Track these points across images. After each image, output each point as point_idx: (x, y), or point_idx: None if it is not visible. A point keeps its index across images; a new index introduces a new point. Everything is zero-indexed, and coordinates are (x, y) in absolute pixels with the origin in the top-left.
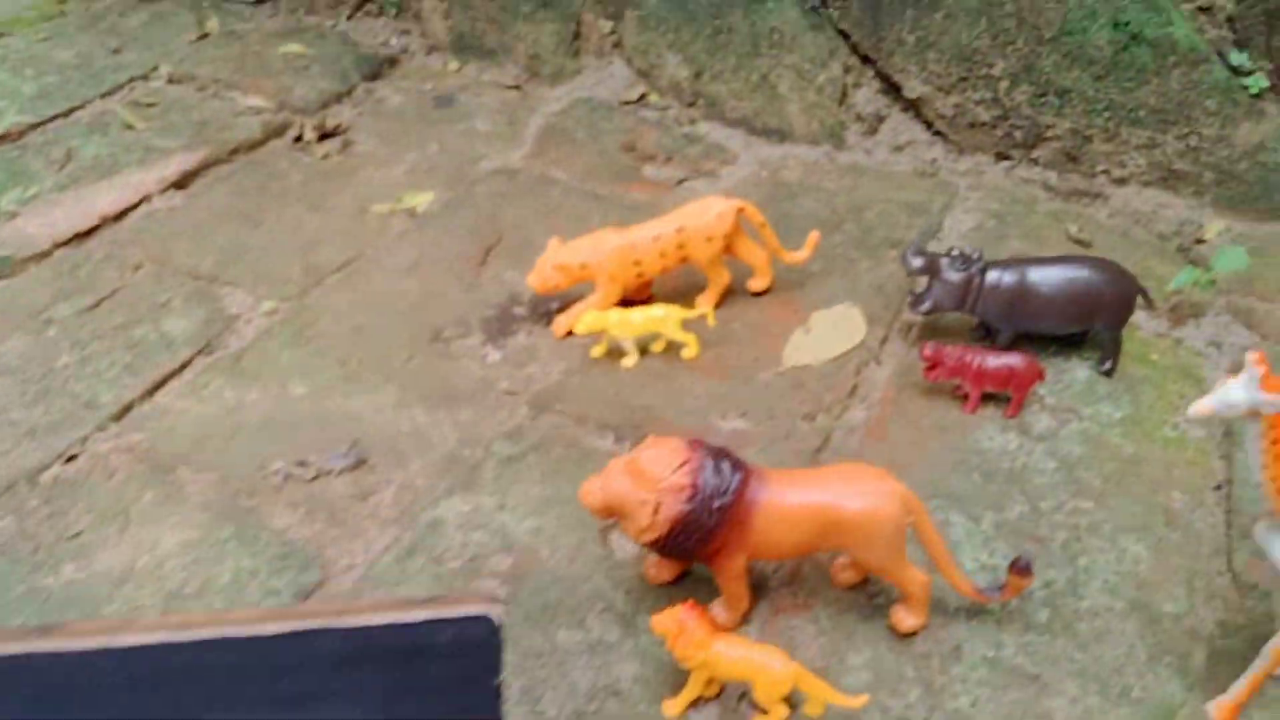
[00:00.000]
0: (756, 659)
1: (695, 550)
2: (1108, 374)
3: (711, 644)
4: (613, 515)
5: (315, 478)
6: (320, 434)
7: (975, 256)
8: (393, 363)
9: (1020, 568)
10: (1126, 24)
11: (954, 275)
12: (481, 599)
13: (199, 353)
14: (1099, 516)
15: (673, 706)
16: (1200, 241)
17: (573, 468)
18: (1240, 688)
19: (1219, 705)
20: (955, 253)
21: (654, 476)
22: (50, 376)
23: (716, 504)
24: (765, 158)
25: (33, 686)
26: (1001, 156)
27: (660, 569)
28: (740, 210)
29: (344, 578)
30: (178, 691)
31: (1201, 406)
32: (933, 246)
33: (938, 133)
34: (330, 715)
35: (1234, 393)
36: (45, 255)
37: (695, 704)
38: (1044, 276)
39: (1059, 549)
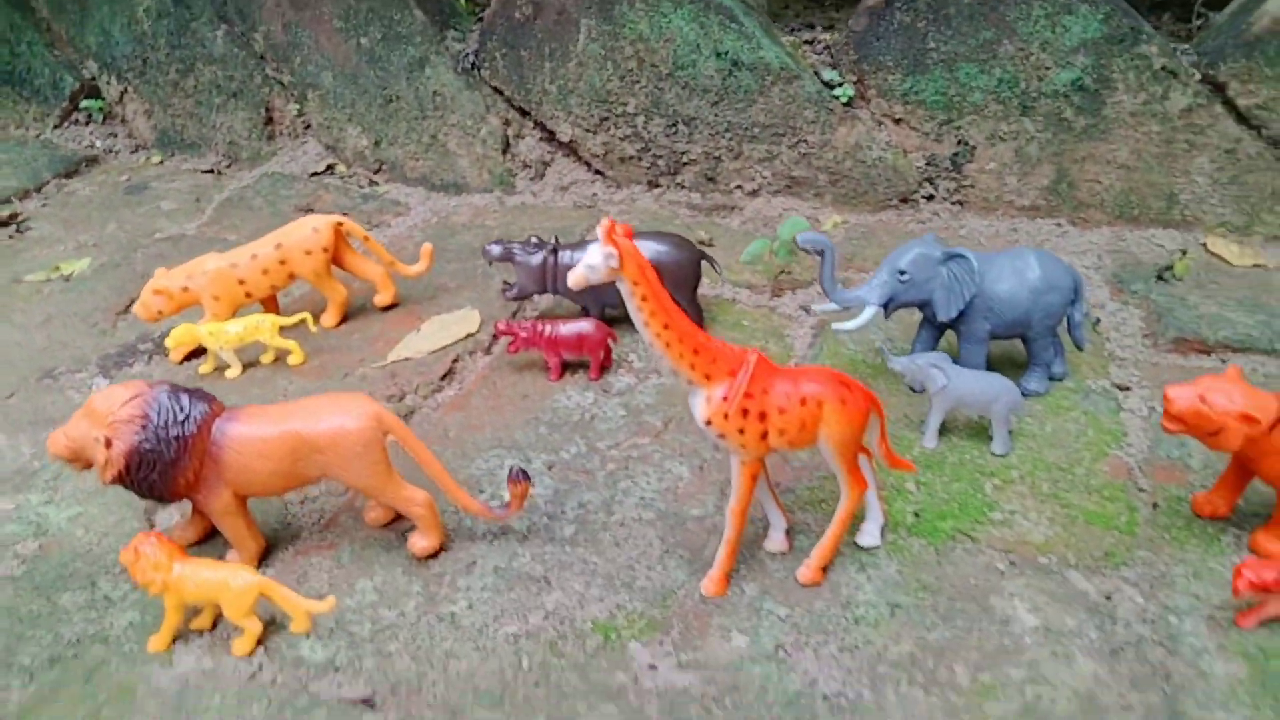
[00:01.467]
0: (216, 577)
1: (167, 486)
2: None
3: (171, 567)
4: (80, 461)
5: None
6: None
7: (548, 241)
8: None
9: (513, 478)
10: (726, 53)
11: (530, 260)
12: None
13: None
14: (652, 449)
15: (156, 641)
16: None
17: None
18: (720, 558)
19: (708, 579)
20: (531, 239)
21: (105, 412)
22: None
23: (174, 433)
24: (439, 207)
25: None
26: (652, 185)
27: (185, 530)
28: (338, 225)
29: None
30: None
31: (575, 276)
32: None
33: (597, 171)
34: None
35: (593, 256)
36: None
37: (182, 637)
38: None
39: (604, 477)
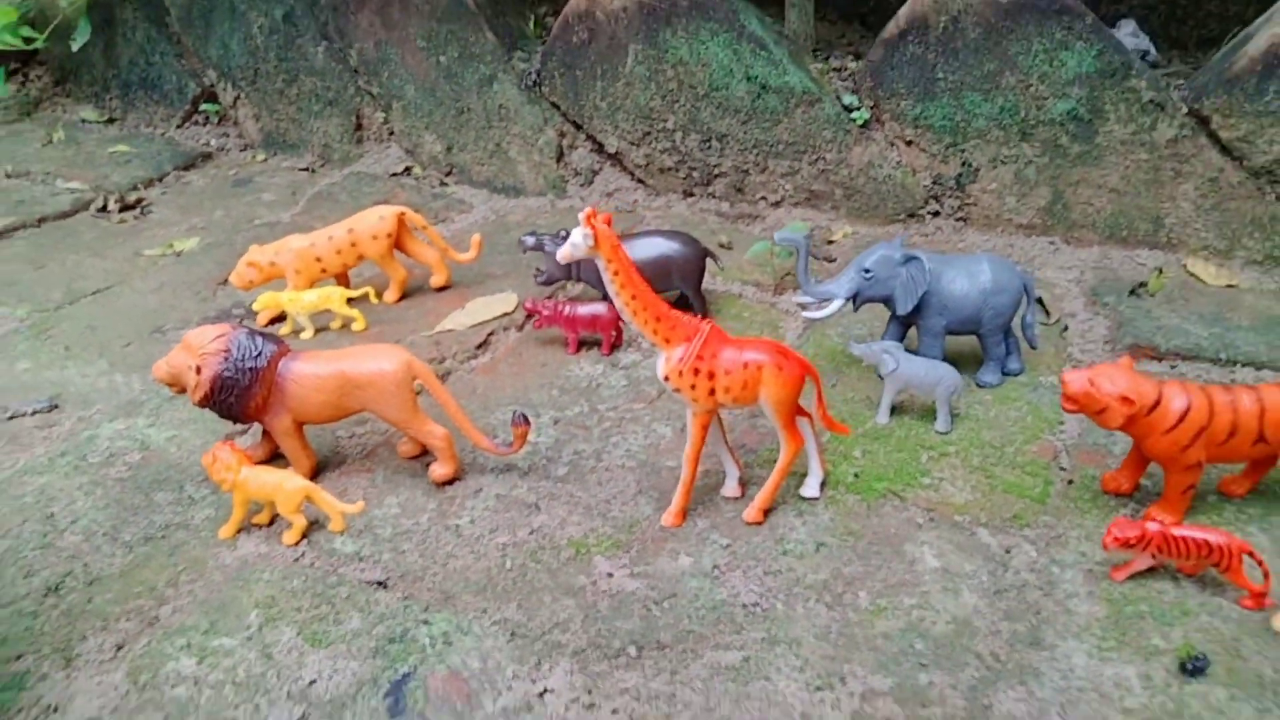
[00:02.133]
0: (273, 480)
1: (241, 408)
2: None
3: (239, 470)
4: (177, 385)
5: (11, 418)
6: (29, 392)
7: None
8: (111, 347)
9: (516, 421)
10: (756, 78)
11: (557, 248)
12: None
13: None
14: (643, 413)
15: (225, 530)
16: (830, 242)
17: None
18: (677, 495)
19: (667, 512)
20: (560, 232)
21: (197, 345)
22: None
23: (249, 365)
24: (498, 207)
25: None
26: (687, 193)
27: (255, 449)
28: (401, 214)
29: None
30: None
31: (561, 253)
32: None
33: (639, 180)
34: None
35: (575, 236)
36: None
37: (246, 528)
38: (629, 246)
39: (599, 433)
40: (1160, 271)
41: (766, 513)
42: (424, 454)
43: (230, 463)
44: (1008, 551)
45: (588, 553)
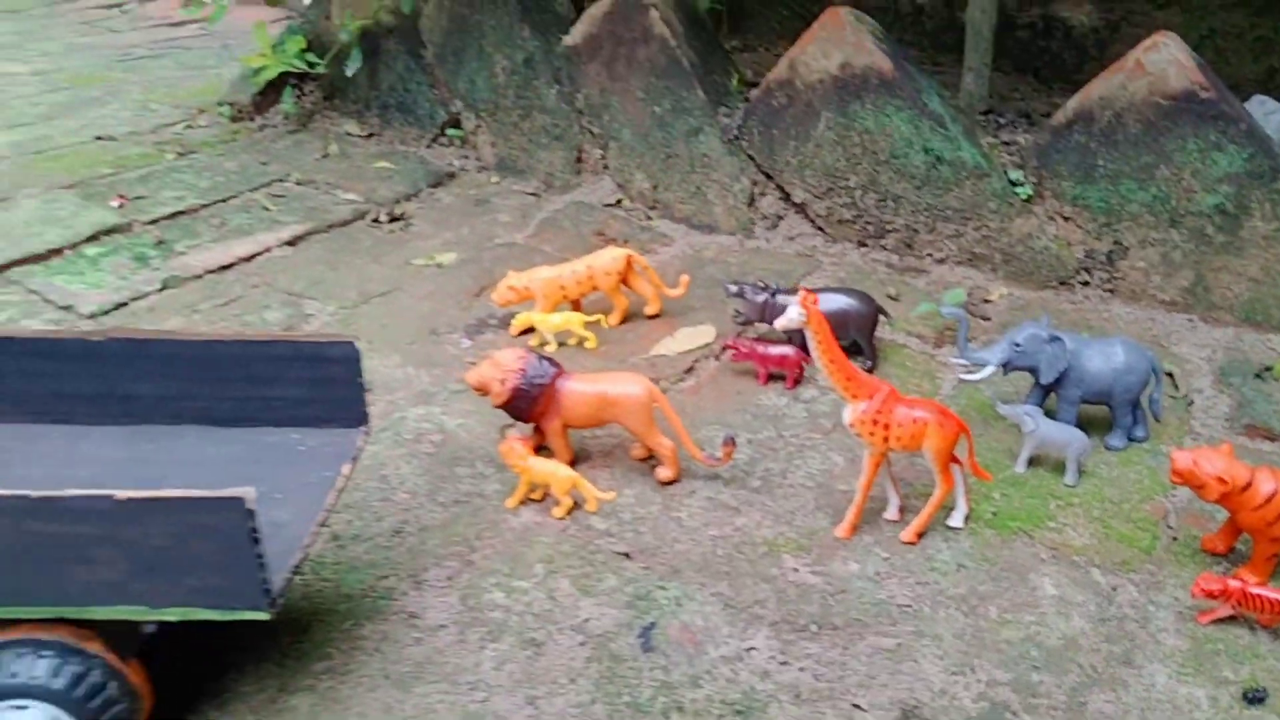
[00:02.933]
0: (550, 467)
1: (528, 412)
2: (870, 370)
3: (526, 458)
4: (481, 389)
5: None
6: None
7: (771, 286)
8: (400, 344)
9: (726, 440)
10: (932, 150)
11: (756, 297)
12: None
13: (283, 331)
14: (821, 442)
15: (510, 501)
16: (987, 301)
17: None
18: (849, 513)
19: (840, 525)
20: (759, 282)
21: (504, 364)
22: None
23: (537, 382)
24: (694, 242)
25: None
26: (861, 244)
27: (526, 440)
28: (629, 257)
29: None
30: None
31: (780, 322)
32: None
33: (819, 228)
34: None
35: (792, 312)
36: (199, 278)
37: (526, 502)
38: None
39: (784, 455)
40: None
41: (920, 535)
42: (650, 458)
43: (522, 452)
44: (1114, 589)
45: (778, 551)
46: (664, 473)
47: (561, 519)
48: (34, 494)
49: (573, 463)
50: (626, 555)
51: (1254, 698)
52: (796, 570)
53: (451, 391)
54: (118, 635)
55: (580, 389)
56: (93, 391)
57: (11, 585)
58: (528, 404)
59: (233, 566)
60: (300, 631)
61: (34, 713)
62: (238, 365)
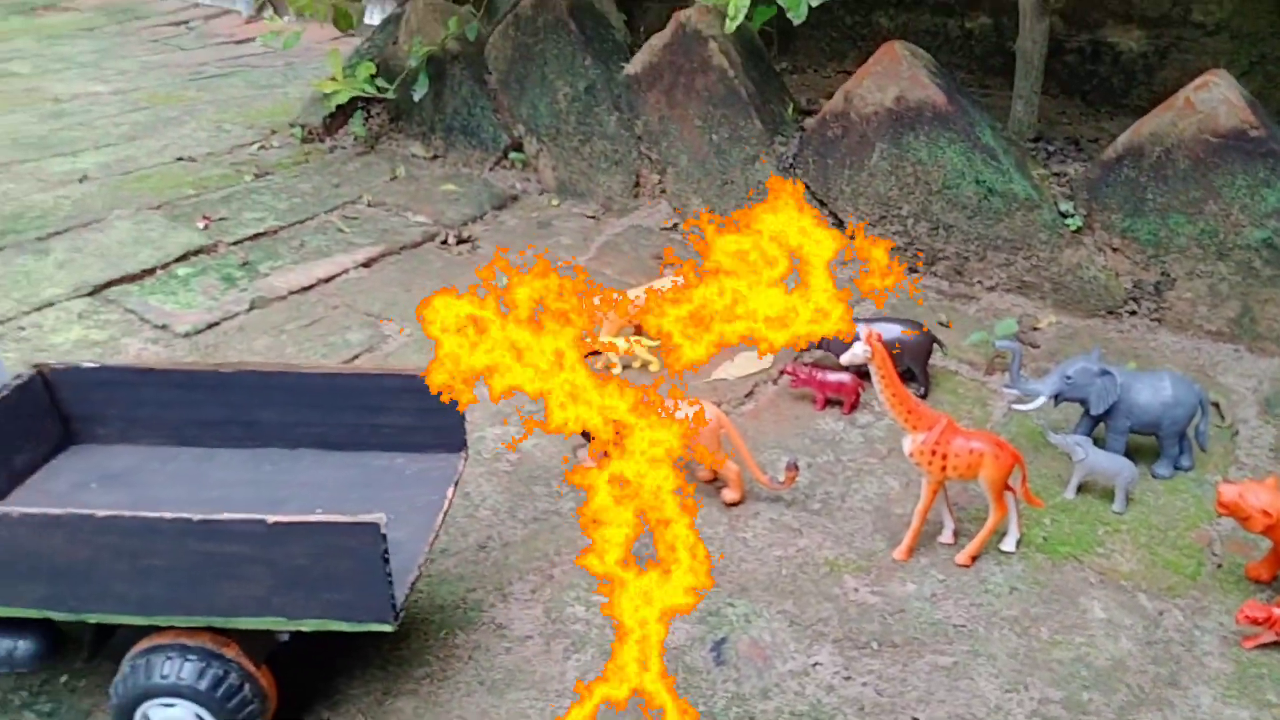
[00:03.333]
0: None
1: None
2: (923, 396)
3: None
4: None
5: None
6: None
7: None
8: None
9: (790, 465)
10: (984, 181)
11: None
12: None
13: (365, 351)
14: (878, 466)
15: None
16: (1035, 329)
17: None
18: (907, 537)
19: (898, 548)
20: None
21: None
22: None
23: None
24: None
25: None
26: (911, 270)
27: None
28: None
29: None
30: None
31: (845, 358)
32: None
33: None
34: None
35: (857, 349)
36: (283, 298)
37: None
38: (868, 328)
39: (843, 479)
40: None
41: (974, 559)
42: (715, 480)
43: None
44: (1160, 614)
45: (839, 571)
46: (730, 495)
47: None
48: (196, 517)
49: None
50: None
51: None
52: (857, 590)
53: (526, 413)
54: (253, 642)
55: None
56: (221, 418)
57: (169, 597)
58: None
59: (364, 583)
60: (400, 640)
61: (180, 710)
62: (352, 396)
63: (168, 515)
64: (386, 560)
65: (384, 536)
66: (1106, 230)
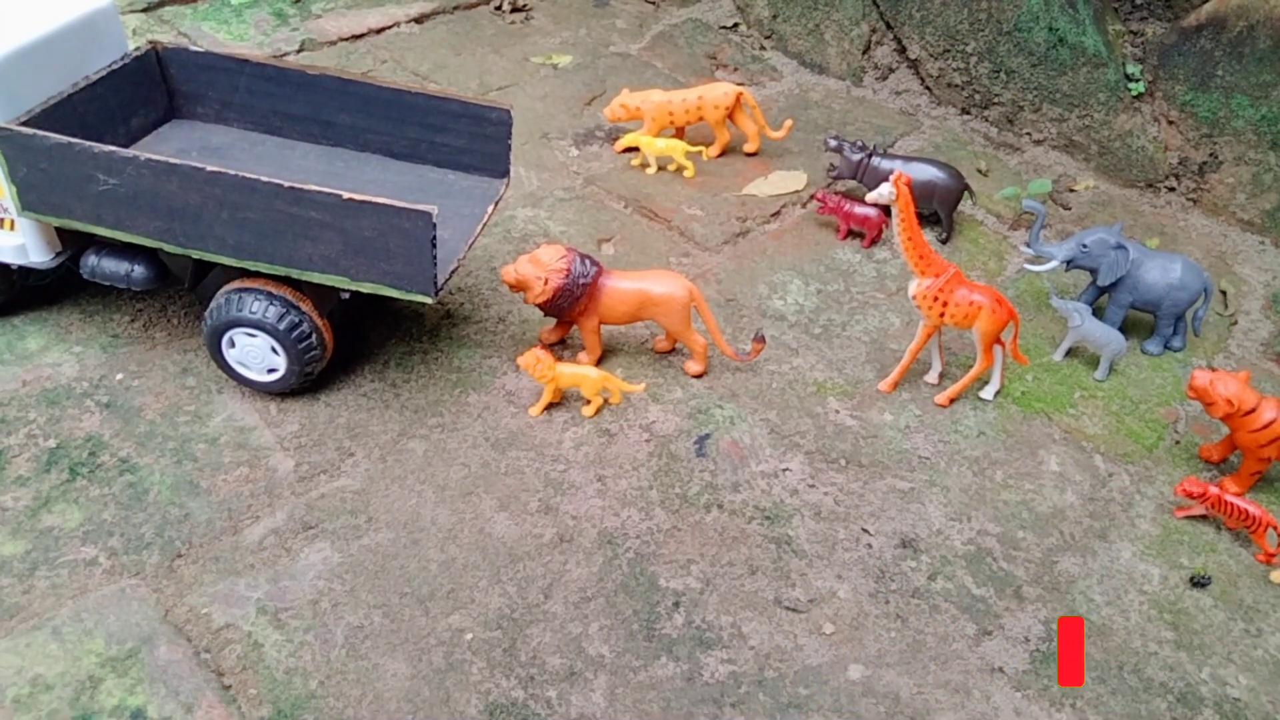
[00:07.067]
0: (580, 371)
1: (568, 311)
2: (943, 241)
3: (555, 367)
4: (519, 287)
5: None
6: None
7: (869, 146)
8: (514, 144)
9: (757, 337)
10: (1057, 29)
11: (853, 155)
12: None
13: None
14: (883, 302)
15: (534, 410)
16: (1071, 190)
17: (595, 212)
18: (895, 371)
19: (884, 381)
20: (858, 142)
21: (546, 262)
22: None
23: (580, 281)
24: (803, 81)
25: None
26: (964, 111)
27: (550, 334)
28: (740, 93)
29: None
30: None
31: (871, 196)
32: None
33: (927, 87)
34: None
35: (884, 189)
36: (332, 44)
37: (550, 408)
38: (906, 167)
39: (848, 309)
40: None
41: (952, 401)
42: (673, 351)
43: (549, 365)
44: (1110, 475)
45: (824, 393)
46: (693, 366)
47: (591, 416)
48: (285, 183)
49: (600, 359)
50: (697, 377)
51: (1198, 582)
52: (838, 412)
53: (557, 199)
54: (321, 299)
55: (622, 287)
56: (303, 114)
57: (259, 246)
58: (570, 303)
59: (415, 259)
60: (419, 390)
61: (260, 340)
62: (417, 112)
63: (263, 178)
64: (434, 244)
65: (435, 225)
66: (1167, 100)
